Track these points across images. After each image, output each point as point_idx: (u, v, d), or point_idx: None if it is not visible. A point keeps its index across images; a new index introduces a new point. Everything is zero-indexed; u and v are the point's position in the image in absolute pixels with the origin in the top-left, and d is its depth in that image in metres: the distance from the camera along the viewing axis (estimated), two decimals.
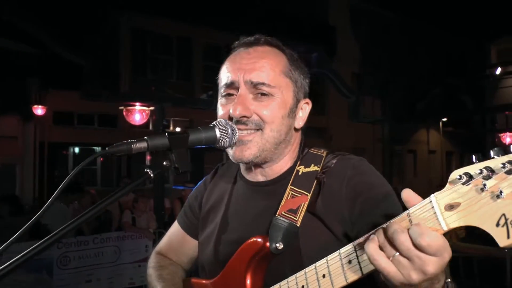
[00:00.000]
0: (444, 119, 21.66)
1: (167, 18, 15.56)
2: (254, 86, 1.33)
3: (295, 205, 1.30)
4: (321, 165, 1.37)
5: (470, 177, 0.83)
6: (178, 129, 19.28)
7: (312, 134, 18.91)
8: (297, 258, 1.26)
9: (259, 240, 1.27)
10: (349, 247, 1.01)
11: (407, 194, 0.90)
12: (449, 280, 0.93)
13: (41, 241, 0.95)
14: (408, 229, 0.86)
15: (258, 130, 1.34)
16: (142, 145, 1.12)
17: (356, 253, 0.99)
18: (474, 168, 0.83)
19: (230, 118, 1.33)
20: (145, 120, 10.22)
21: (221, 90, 1.40)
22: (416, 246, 0.84)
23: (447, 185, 0.86)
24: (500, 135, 17.75)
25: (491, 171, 0.81)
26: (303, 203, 1.30)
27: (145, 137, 1.13)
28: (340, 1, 20.97)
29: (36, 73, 14.61)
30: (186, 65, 18.77)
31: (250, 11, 15.15)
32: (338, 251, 1.04)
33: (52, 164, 16.36)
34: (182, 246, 1.70)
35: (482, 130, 19.10)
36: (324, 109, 20.39)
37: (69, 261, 6.76)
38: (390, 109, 18.12)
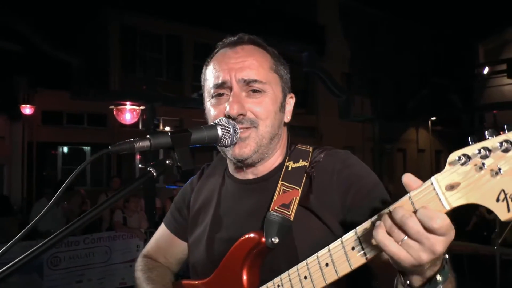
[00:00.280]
0: (433, 118, 21.84)
1: (157, 16, 15.45)
2: (247, 84, 1.36)
3: (287, 200, 1.33)
4: (309, 160, 1.41)
5: (468, 157, 0.86)
6: (167, 128, 19.25)
7: (303, 133, 18.95)
8: (292, 252, 1.28)
9: (254, 235, 1.29)
10: (351, 234, 1.03)
11: (408, 178, 0.93)
12: (447, 255, 0.96)
13: (45, 240, 0.94)
14: (415, 213, 0.88)
15: (253, 127, 1.36)
16: (145, 143, 1.12)
17: (359, 240, 1.01)
18: (471, 149, 0.86)
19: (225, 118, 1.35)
20: (135, 119, 10.14)
21: (211, 91, 1.41)
22: (426, 228, 0.86)
23: (446, 166, 0.89)
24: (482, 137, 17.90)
25: (488, 150, 0.84)
26: (294, 198, 1.33)
27: (148, 136, 1.14)
28: (330, 0, 21.04)
29: (24, 72, 14.41)
30: (176, 64, 18.70)
31: (240, 11, 15.12)
32: (340, 239, 1.06)
33: (40, 164, 16.18)
34: (171, 248, 1.69)
35: (470, 129, 19.28)
36: (314, 108, 20.45)
37: (59, 261, 6.71)
38: (380, 108, 18.23)
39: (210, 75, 1.42)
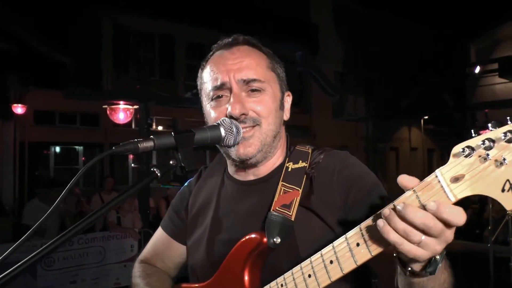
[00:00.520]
0: (426, 117, 21.96)
1: (150, 15, 15.40)
2: (247, 83, 1.36)
3: (288, 200, 1.34)
4: (308, 161, 1.42)
5: (472, 149, 0.87)
6: (160, 128, 19.17)
7: (296, 132, 18.99)
8: (293, 252, 1.29)
9: (256, 236, 1.29)
10: (355, 231, 1.04)
11: (403, 179, 0.94)
12: None
13: (56, 238, 0.94)
14: (423, 208, 0.89)
15: (256, 125, 1.37)
16: (149, 144, 1.11)
17: (364, 236, 1.02)
18: (475, 141, 0.87)
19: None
20: (129, 119, 10.11)
21: (210, 94, 1.41)
22: (445, 224, 0.88)
23: (450, 158, 0.90)
24: (480, 132, 18.05)
25: (492, 141, 0.85)
26: (295, 198, 1.34)
27: (151, 136, 1.14)
28: None
29: (15, 71, 14.28)
30: (169, 63, 18.64)
31: (233, 10, 15.11)
32: (344, 236, 1.06)
33: (32, 164, 16.06)
34: (169, 252, 1.68)
35: (462, 128, 19.39)
36: (308, 108, 20.48)
37: (53, 262, 6.66)
38: (374, 107, 18.30)
39: (208, 78, 1.42)
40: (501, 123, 0.87)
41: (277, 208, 1.33)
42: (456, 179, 0.88)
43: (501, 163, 0.83)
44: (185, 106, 13.48)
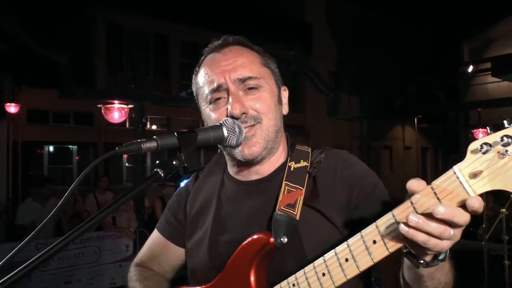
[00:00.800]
0: (419, 116, 22.05)
1: (144, 14, 15.36)
2: (243, 82, 1.37)
3: (292, 199, 1.34)
4: (309, 160, 1.43)
5: (489, 145, 0.88)
6: (154, 127, 19.10)
7: (290, 131, 18.91)
8: (299, 251, 1.29)
9: (263, 236, 1.29)
10: (371, 228, 1.04)
11: (411, 183, 0.96)
12: None
13: (65, 235, 0.94)
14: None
15: (257, 123, 1.37)
16: (152, 144, 1.11)
17: (380, 234, 1.02)
18: (493, 138, 0.89)
19: None
20: (124, 118, 10.06)
21: (208, 97, 1.40)
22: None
23: (468, 154, 0.91)
24: (473, 131, 18.18)
25: (510, 138, 0.86)
26: (299, 197, 1.34)
27: (154, 137, 1.13)
28: None
29: (9, 70, 14.18)
30: (163, 63, 18.59)
31: (227, 9, 15.09)
32: (359, 233, 1.06)
33: (26, 164, 15.97)
34: (166, 255, 1.66)
35: (455, 127, 19.52)
36: (302, 107, 20.50)
37: (48, 262, 6.62)
38: (368, 106, 18.36)
39: (203, 82, 1.42)
40: None
41: (282, 207, 1.32)
42: (474, 175, 0.89)
43: None
44: (179, 106, 13.43)
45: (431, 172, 27.21)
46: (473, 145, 0.90)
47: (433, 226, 0.90)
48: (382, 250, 1.02)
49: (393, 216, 1.00)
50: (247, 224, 1.39)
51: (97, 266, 7.13)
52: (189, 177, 1.69)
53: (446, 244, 0.93)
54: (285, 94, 1.52)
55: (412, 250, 0.99)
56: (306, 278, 1.17)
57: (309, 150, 1.48)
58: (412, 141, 25.34)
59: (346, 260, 1.08)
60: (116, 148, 1.08)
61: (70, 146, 17.57)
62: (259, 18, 15.81)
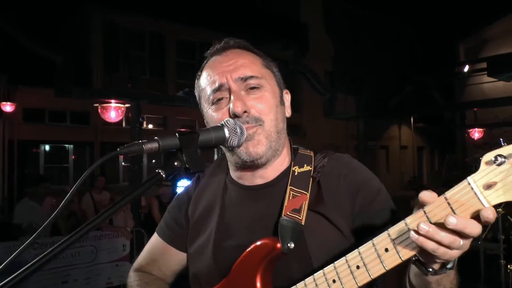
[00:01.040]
0: (415, 116, 22.12)
1: (140, 13, 15.33)
2: (244, 81, 1.36)
3: (297, 204, 1.33)
4: (312, 165, 1.42)
5: (504, 157, 0.89)
6: (150, 126, 19.04)
7: (286, 131, 18.97)
8: (305, 256, 1.28)
9: (269, 241, 1.28)
10: (383, 236, 1.04)
11: (424, 195, 0.95)
12: None
13: (73, 233, 0.95)
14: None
15: (258, 125, 1.36)
16: (154, 145, 1.10)
17: (393, 242, 1.02)
18: (507, 150, 0.89)
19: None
20: (120, 117, 10.04)
21: (210, 98, 1.40)
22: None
23: (482, 165, 0.91)
24: (469, 130, 18.26)
25: None
26: (304, 202, 1.33)
27: (156, 138, 1.12)
28: None
29: (4, 68, 14.13)
30: (159, 62, 18.57)
31: (223, 9, 15.08)
32: (370, 241, 1.06)
33: (22, 163, 15.92)
34: (166, 259, 1.63)
35: (451, 126, 19.58)
36: (298, 106, 20.52)
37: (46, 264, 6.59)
38: (364, 106, 18.38)
39: (205, 83, 1.42)
40: None
41: (288, 212, 1.32)
42: (488, 186, 0.90)
43: None
44: (176, 105, 13.42)
45: (427, 171, 27.32)
46: (487, 157, 0.91)
47: (443, 235, 0.91)
48: (394, 258, 1.02)
49: (406, 224, 1.00)
50: (252, 229, 1.38)
51: (94, 266, 7.10)
52: (186, 177, 1.68)
53: (455, 253, 0.94)
54: (287, 97, 1.52)
55: (421, 258, 1.00)
56: (316, 285, 1.17)
57: (312, 154, 1.48)
58: (408, 140, 25.44)
59: (358, 267, 1.08)
60: (118, 149, 1.07)
61: (66, 145, 17.53)
62: (255, 18, 15.81)
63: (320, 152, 1.48)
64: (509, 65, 14.75)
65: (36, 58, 11.42)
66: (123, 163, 18.03)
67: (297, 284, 1.22)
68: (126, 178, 17.48)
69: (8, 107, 14.08)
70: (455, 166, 19.61)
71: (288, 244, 1.26)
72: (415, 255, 1.00)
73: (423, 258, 0.99)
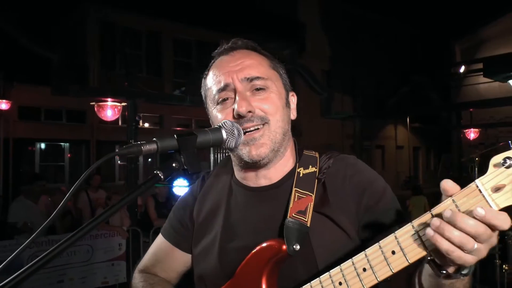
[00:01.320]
0: (411, 116, 22.17)
1: (136, 11, 15.30)
2: (250, 81, 1.36)
3: (303, 206, 1.33)
4: (317, 166, 1.42)
5: None
6: (147, 125, 18.99)
7: None
8: (310, 258, 1.29)
9: (275, 243, 1.28)
10: (390, 239, 1.04)
11: (446, 183, 0.95)
12: None
13: (76, 231, 0.95)
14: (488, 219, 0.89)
15: (264, 123, 1.36)
16: (152, 147, 1.10)
17: (400, 245, 1.02)
18: None
19: (234, 119, 1.34)
20: (117, 116, 10.00)
21: (215, 97, 1.40)
22: (493, 229, 0.90)
23: (491, 168, 0.91)
24: (464, 131, 18.31)
25: None
26: (309, 204, 1.34)
27: (154, 139, 1.12)
28: None
29: (0, 66, 14.07)
30: (156, 60, 18.54)
31: (220, 8, 15.07)
32: (377, 243, 1.06)
33: (17, 161, 15.86)
34: (171, 261, 1.63)
35: (447, 126, 19.62)
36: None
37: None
38: (361, 106, 18.42)
39: (211, 83, 1.42)
40: None
41: (293, 214, 1.32)
42: (497, 189, 0.90)
43: None
44: (172, 104, 13.40)
45: (422, 171, 27.40)
46: (496, 159, 0.91)
47: (456, 234, 0.90)
48: (401, 261, 1.02)
49: (413, 227, 1.00)
50: (258, 230, 1.38)
51: (90, 265, 7.08)
52: (184, 177, 1.67)
53: (469, 259, 0.92)
54: (293, 99, 1.52)
55: (436, 259, 0.99)
56: (322, 287, 1.17)
57: (317, 155, 1.47)
58: (404, 140, 25.51)
59: (364, 270, 1.08)
60: (117, 150, 1.07)
61: (62, 144, 17.47)
62: (252, 17, 15.81)
63: (325, 153, 1.48)
64: (505, 66, 14.79)
65: (32, 55, 11.36)
66: (119, 162, 18.00)
67: (303, 286, 1.22)
68: (122, 176, 17.46)
69: (3, 105, 13.99)
70: (450, 166, 19.66)
71: (294, 246, 1.26)
72: (430, 255, 1.00)
73: (438, 259, 0.99)
